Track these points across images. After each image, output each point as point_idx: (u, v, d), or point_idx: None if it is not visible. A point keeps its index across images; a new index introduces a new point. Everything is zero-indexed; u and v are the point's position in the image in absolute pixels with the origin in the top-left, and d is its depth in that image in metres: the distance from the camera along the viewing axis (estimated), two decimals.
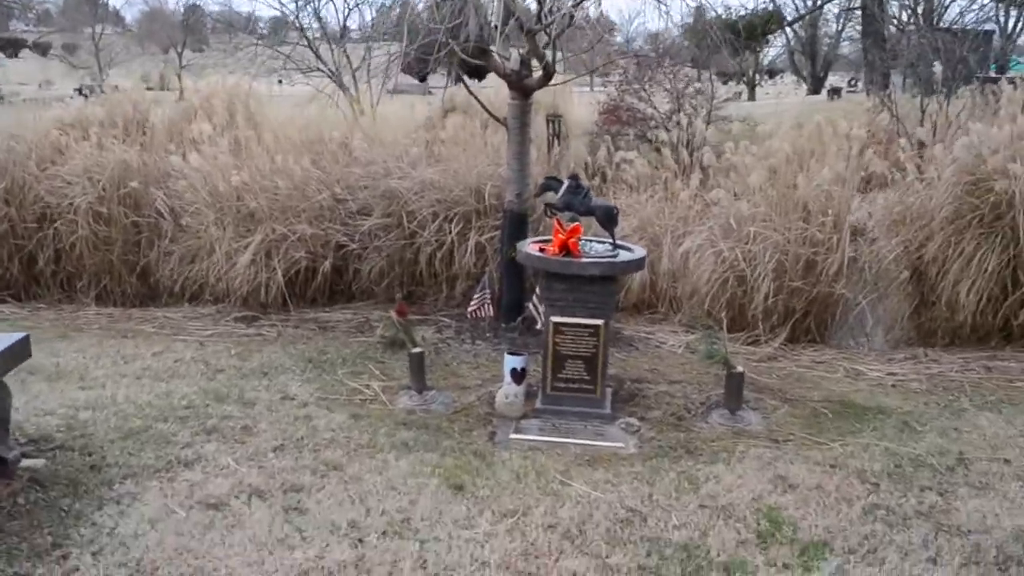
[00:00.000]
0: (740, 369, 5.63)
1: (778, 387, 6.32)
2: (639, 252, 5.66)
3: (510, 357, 5.68)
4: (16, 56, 48.58)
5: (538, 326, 6.93)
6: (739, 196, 7.68)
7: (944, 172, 7.51)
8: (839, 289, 7.41)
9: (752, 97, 30.93)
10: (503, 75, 7.00)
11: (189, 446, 4.93)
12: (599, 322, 5.46)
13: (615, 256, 5.53)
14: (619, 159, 8.73)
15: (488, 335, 7.19)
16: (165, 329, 7.64)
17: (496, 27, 6.92)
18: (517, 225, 7.33)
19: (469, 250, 7.84)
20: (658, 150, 9.28)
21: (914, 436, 5.44)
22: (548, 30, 6.61)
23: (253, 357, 6.70)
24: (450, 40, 6.74)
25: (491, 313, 7.13)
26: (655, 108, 13.79)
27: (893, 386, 6.54)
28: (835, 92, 25.41)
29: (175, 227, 8.34)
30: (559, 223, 5.44)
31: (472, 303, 7.09)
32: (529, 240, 5.96)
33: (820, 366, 6.96)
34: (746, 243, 7.47)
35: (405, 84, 18.93)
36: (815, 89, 34.22)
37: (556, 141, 8.63)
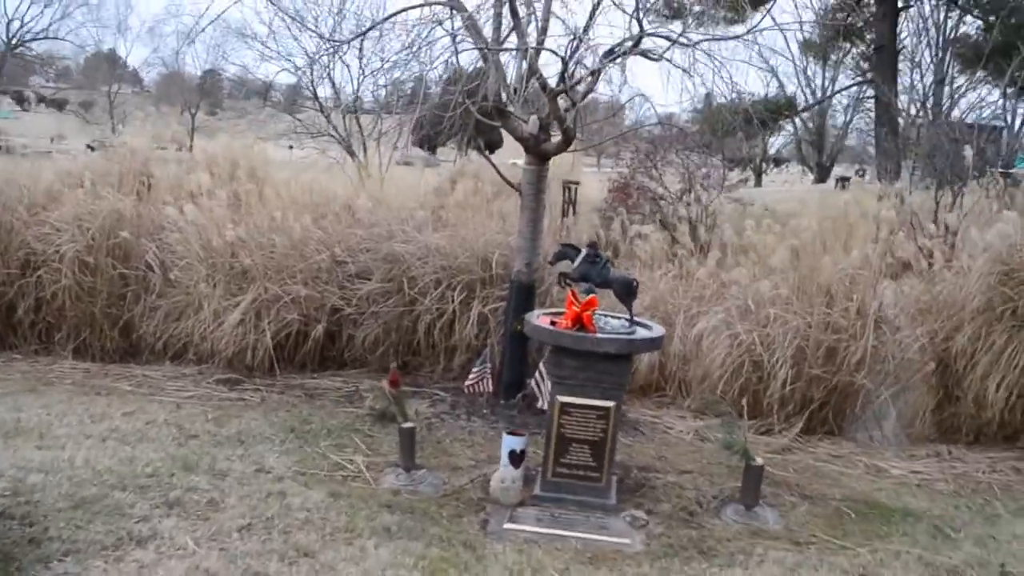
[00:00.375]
0: (760, 462, 5.09)
1: (795, 482, 5.77)
2: (657, 330, 5.18)
3: (509, 438, 5.16)
4: (25, 109, 48.81)
5: (540, 404, 6.42)
6: (758, 277, 7.21)
7: (976, 261, 7.06)
8: (860, 379, 6.90)
9: (759, 183, 30.75)
10: (520, 138, 6.61)
11: (145, 520, 4.38)
12: (610, 404, 4.96)
13: (632, 333, 5.05)
14: (634, 233, 8.27)
15: (485, 412, 6.66)
16: (142, 388, 7.12)
17: (515, 89, 6.55)
18: (524, 296, 6.87)
19: (471, 320, 7.36)
20: (673, 227, 8.86)
21: (949, 544, 4.90)
22: (571, 93, 6.22)
23: (231, 423, 6.17)
24: (467, 100, 6.37)
25: (490, 388, 6.62)
26: (666, 188, 13.47)
27: (918, 485, 6.00)
28: (844, 181, 25.22)
29: (164, 281, 7.86)
30: (574, 294, 4.97)
31: (470, 376, 6.58)
32: (538, 312, 5.49)
33: (838, 460, 6.42)
34: (764, 326, 6.99)
35: (415, 156, 18.75)
36: (821, 178, 34.09)
37: (572, 209, 8.19)
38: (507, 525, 4.69)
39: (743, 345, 6.95)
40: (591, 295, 5.01)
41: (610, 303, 5.91)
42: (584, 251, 5.26)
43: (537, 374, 6.46)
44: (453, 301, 7.36)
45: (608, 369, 4.92)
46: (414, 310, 7.50)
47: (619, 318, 5.31)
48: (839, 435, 7.00)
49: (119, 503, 4.56)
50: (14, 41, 41.65)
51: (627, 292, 5.19)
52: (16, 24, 41.71)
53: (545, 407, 5.46)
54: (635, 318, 5.25)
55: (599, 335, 4.88)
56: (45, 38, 43.01)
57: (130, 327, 8.06)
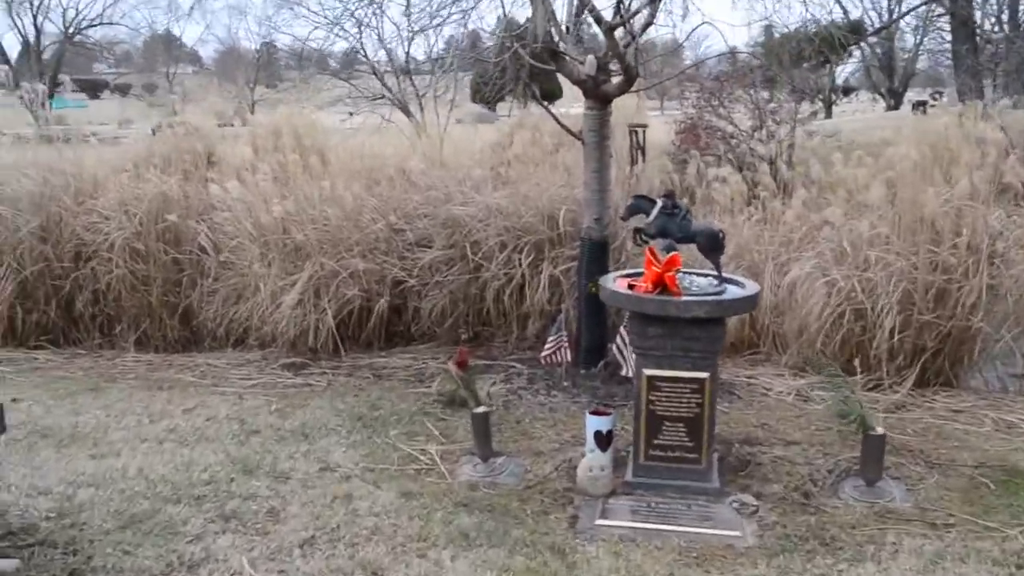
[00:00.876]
0: (881, 431, 4.41)
1: (918, 446, 5.08)
2: (751, 287, 4.51)
3: (593, 418, 4.57)
4: (98, 97, 49.16)
5: (624, 372, 5.82)
6: (852, 215, 6.45)
7: None
8: (976, 322, 6.14)
9: (828, 115, 29.31)
10: (577, 81, 5.93)
11: (199, 539, 3.92)
12: (704, 375, 4.32)
13: (722, 292, 4.39)
14: (712, 177, 7.51)
15: (565, 384, 6.08)
16: (205, 379, 6.70)
17: (567, 27, 5.86)
18: (597, 255, 6.24)
19: (542, 284, 6.75)
20: (752, 166, 8.09)
21: None
22: (629, 25, 5.52)
23: (295, 414, 5.70)
24: (515, 43, 5.71)
25: (568, 358, 6.02)
26: (735, 125, 12.64)
27: None
28: (921, 105, 23.73)
29: (219, 264, 7.42)
30: (652, 253, 4.33)
31: (546, 347, 5.99)
32: (613, 274, 4.85)
33: (961, 416, 5.69)
34: (864, 270, 6.25)
35: (473, 112, 18.10)
36: (895, 104, 32.40)
37: (641, 155, 7.46)
38: (599, 521, 4.12)
39: (842, 292, 6.22)
40: (672, 252, 4.36)
41: (692, 257, 5.27)
42: (659, 202, 4.59)
43: (618, 339, 5.86)
44: (520, 264, 6.75)
45: (698, 335, 4.28)
46: (480, 277, 6.92)
47: (705, 275, 4.66)
48: (957, 387, 6.28)
49: (172, 519, 4.11)
50: (71, 30, 41.87)
51: (713, 246, 4.52)
52: (72, 13, 41.92)
53: (630, 375, 4.85)
54: (724, 274, 4.59)
55: (685, 298, 4.24)
56: (100, 24, 43.19)
57: (189, 314, 7.66)
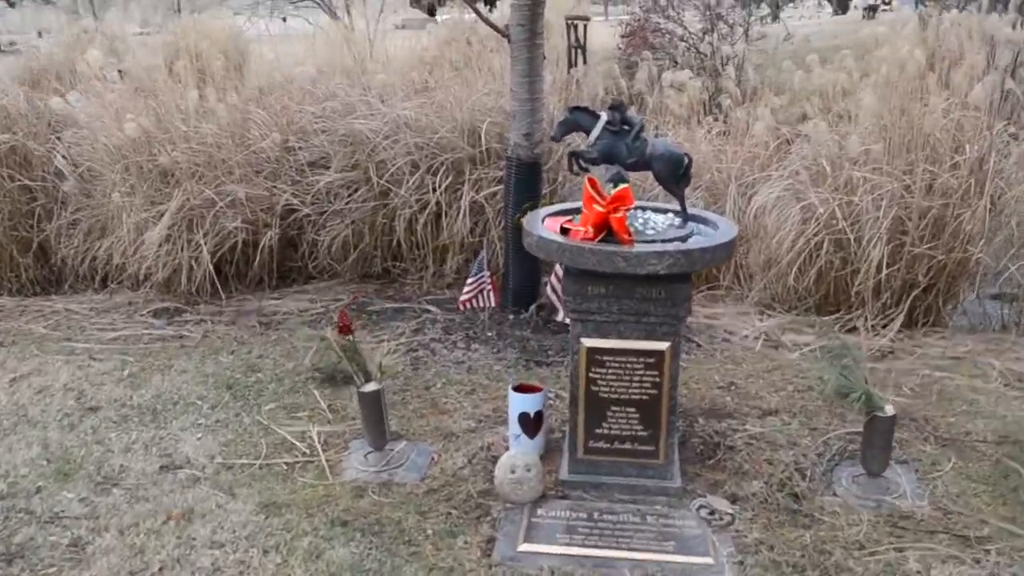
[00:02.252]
0: (891, 410, 3.30)
1: (921, 412, 4.02)
2: (725, 227, 3.29)
3: (517, 396, 3.42)
4: (12, 6, 45.63)
5: (560, 317, 4.68)
6: (835, 127, 5.26)
7: None
8: (976, 252, 5.07)
9: (776, 18, 27.92)
10: None
11: None
12: (663, 346, 3.16)
13: (687, 236, 3.19)
14: (669, 82, 6.16)
15: (489, 335, 4.89)
16: (59, 329, 5.39)
17: None
18: (526, 178, 5.01)
19: (462, 212, 5.50)
20: (714, 70, 6.83)
21: None
22: None
23: (151, 381, 4.45)
24: None
25: (492, 302, 4.81)
26: (686, 27, 11.37)
27: None
28: (871, 10, 22.43)
29: (80, 192, 6.02)
30: (593, 185, 3.09)
31: (465, 290, 4.77)
32: (544, 211, 3.60)
33: (960, 367, 4.64)
34: (847, 193, 5.11)
35: (420, 19, 16.42)
36: (842, 8, 31.01)
37: (582, 56, 6.13)
38: (523, 547, 2.97)
39: (820, 219, 5.09)
40: (621, 184, 3.13)
41: (647, 184, 4.07)
42: (604, 116, 3.32)
43: (553, 277, 4.70)
44: (436, 189, 5.48)
45: (656, 296, 3.09)
46: (388, 204, 5.64)
47: (665, 211, 3.46)
48: (950, 327, 5.24)
49: None
50: None
51: (675, 174, 3.29)
52: None
53: (567, 321, 3.69)
54: (691, 209, 3.39)
55: (639, 247, 3.02)
56: None
57: (47, 250, 6.28)
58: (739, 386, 4.32)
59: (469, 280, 4.79)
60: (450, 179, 5.51)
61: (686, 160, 3.27)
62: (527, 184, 5.02)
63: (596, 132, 3.28)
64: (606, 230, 3.07)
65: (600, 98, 6.33)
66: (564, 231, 3.17)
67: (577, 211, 3.30)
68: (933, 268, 5.06)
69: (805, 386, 4.31)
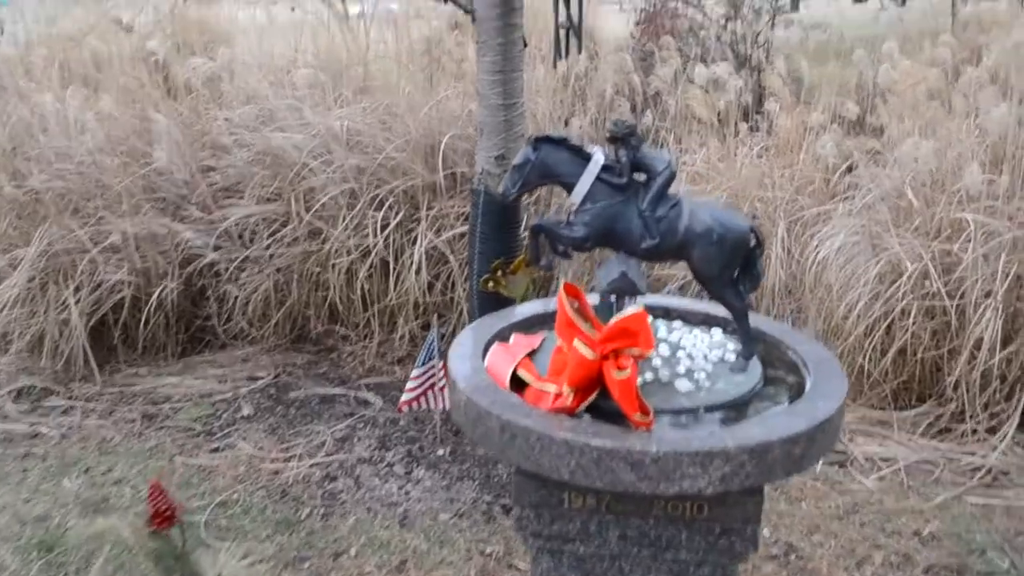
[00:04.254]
0: None
1: None
2: (820, 363, 1.73)
3: None
4: None
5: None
6: (921, 142, 3.66)
7: None
8: None
9: (795, 6, 26.14)
10: None
11: None
12: None
13: (753, 393, 1.63)
14: (706, 78, 4.42)
15: (440, 452, 3.35)
16: None
17: None
18: (499, 220, 3.45)
19: (416, 261, 3.94)
20: (757, 65, 5.21)
21: None
22: None
23: None
24: None
25: (446, 405, 3.25)
26: (706, 14, 9.70)
27: None
28: None
29: None
30: (576, 300, 1.54)
31: (409, 386, 3.22)
32: (502, 317, 2.03)
33: None
34: (945, 240, 3.54)
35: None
36: None
37: (576, 41, 4.46)
38: None
39: (909, 277, 3.52)
40: (632, 306, 1.58)
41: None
42: (596, 154, 1.72)
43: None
44: (378, 231, 3.91)
45: (690, 515, 1.56)
46: (322, 249, 4.08)
47: (704, 321, 1.92)
48: None
49: None
50: None
51: (731, 266, 1.71)
52: None
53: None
54: (756, 327, 1.82)
55: (664, 436, 1.47)
56: None
57: None
58: (799, 551, 2.77)
59: (415, 373, 3.24)
60: (400, 215, 3.95)
61: (753, 240, 1.71)
62: (500, 228, 3.47)
63: (584, 186, 1.71)
64: (598, 390, 1.53)
65: (607, 102, 4.75)
66: (516, 384, 1.63)
67: (538, 331, 1.76)
68: None
69: (900, 552, 2.77)
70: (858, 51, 4.66)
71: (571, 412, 1.53)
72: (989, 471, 3.31)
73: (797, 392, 1.67)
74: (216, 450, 3.50)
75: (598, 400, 1.54)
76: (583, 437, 1.43)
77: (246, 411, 3.79)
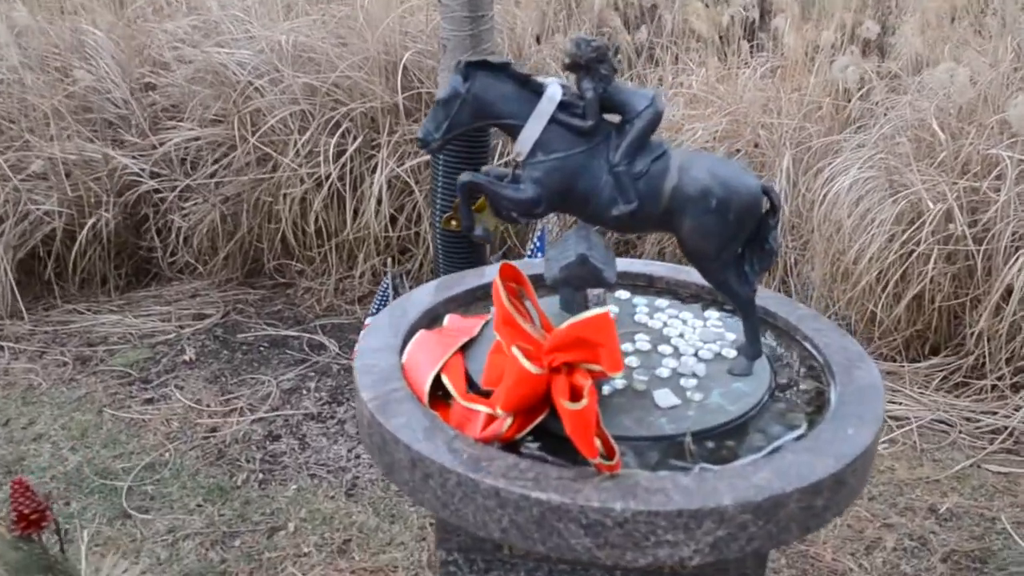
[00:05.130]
0: None
1: None
2: (853, 366, 1.31)
3: None
4: None
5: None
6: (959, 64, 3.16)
7: None
8: None
9: None
10: None
11: None
12: None
13: (760, 404, 1.21)
14: None
15: None
16: None
17: None
18: (463, 151, 2.98)
19: (377, 190, 3.47)
20: None
21: None
22: None
23: None
24: None
25: None
26: None
27: None
28: None
29: None
30: (517, 286, 1.10)
31: (364, 332, 2.82)
32: (436, 286, 1.60)
33: None
34: (972, 178, 3.08)
35: None
36: None
37: None
38: None
39: (930, 218, 3.07)
40: (598, 308, 1.16)
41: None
42: (552, 86, 1.25)
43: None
44: (331, 158, 3.42)
45: None
46: (272, 177, 3.61)
47: (698, 303, 1.48)
48: None
49: None
50: None
51: (735, 239, 1.25)
52: None
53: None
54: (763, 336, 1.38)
55: (641, 476, 1.08)
56: None
57: None
58: None
59: (368, 321, 2.81)
60: (359, 141, 3.46)
61: (765, 203, 1.25)
62: (466, 158, 3.00)
63: (533, 131, 1.24)
64: (545, 414, 1.11)
65: (596, 14, 4.21)
66: (435, 398, 1.21)
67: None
68: None
69: (915, 535, 2.40)
70: None
71: (507, 440, 1.10)
72: (1011, 433, 2.94)
73: (817, 406, 1.24)
74: (150, 401, 3.10)
75: (548, 419, 1.11)
76: (519, 486, 1.01)
77: (188, 355, 3.38)
